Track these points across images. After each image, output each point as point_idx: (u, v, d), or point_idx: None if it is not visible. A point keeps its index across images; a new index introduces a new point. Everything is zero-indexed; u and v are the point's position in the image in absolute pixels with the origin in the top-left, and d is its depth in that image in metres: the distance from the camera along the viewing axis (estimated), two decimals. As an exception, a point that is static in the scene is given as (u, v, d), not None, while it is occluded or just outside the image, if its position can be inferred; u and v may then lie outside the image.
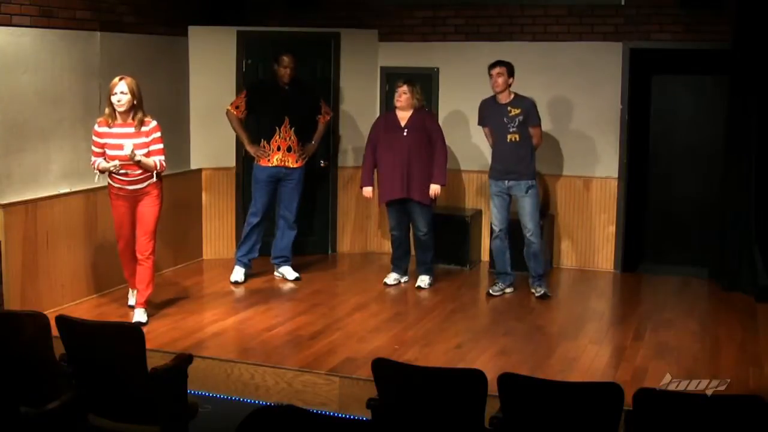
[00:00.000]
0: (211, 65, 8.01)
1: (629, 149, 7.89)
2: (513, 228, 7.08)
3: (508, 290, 7.16)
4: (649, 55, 7.86)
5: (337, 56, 8.31)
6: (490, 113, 7.08)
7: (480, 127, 7.38)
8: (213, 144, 8.08)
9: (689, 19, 7.56)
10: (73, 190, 6.63)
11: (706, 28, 7.52)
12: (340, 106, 8.37)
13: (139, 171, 6.02)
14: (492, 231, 7.13)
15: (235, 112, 7.37)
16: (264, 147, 7.31)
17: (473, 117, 8.19)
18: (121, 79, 5.92)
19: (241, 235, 7.59)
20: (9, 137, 6.13)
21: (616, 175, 7.89)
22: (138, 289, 6.28)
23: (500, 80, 6.89)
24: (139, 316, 6.21)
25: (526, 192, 6.92)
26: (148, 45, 7.43)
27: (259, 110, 7.39)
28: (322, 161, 8.28)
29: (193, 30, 7.99)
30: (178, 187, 7.78)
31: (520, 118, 6.90)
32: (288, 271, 7.54)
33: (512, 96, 6.97)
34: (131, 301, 6.49)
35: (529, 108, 6.95)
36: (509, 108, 6.93)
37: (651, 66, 8.12)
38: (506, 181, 6.97)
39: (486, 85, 6.99)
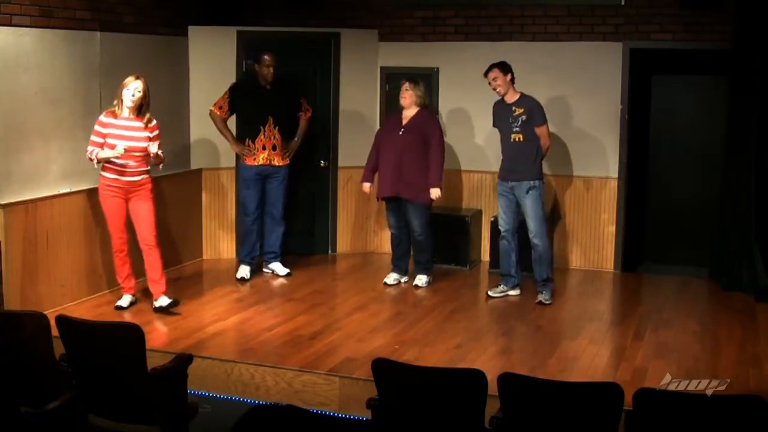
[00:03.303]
0: (211, 65, 8.01)
1: (629, 149, 7.89)
2: (522, 230, 6.99)
3: (511, 292, 7.08)
4: (649, 55, 7.85)
5: (337, 56, 8.31)
6: (498, 114, 7.00)
7: (487, 131, 7.33)
8: (213, 144, 8.07)
9: (689, 19, 7.55)
10: (73, 190, 6.63)
11: (706, 28, 7.52)
12: (340, 106, 8.35)
13: (137, 163, 6.29)
14: (499, 231, 7.09)
15: (218, 113, 7.40)
16: (249, 146, 7.34)
17: (473, 117, 8.22)
18: (137, 78, 6.24)
19: (242, 237, 7.63)
20: (9, 137, 6.13)
21: (616, 175, 7.89)
22: (153, 280, 6.46)
23: (497, 84, 6.80)
24: (166, 301, 6.43)
25: (527, 193, 6.80)
26: (148, 45, 7.42)
27: (243, 110, 7.42)
28: (322, 161, 8.28)
29: (193, 30, 7.99)
30: (178, 187, 7.79)
31: (524, 117, 6.78)
32: (278, 267, 7.59)
33: (518, 96, 6.86)
34: (122, 302, 6.54)
35: (532, 107, 6.81)
36: (514, 108, 6.83)
37: (651, 66, 8.11)
38: (509, 182, 6.89)
39: (486, 84, 6.97)
